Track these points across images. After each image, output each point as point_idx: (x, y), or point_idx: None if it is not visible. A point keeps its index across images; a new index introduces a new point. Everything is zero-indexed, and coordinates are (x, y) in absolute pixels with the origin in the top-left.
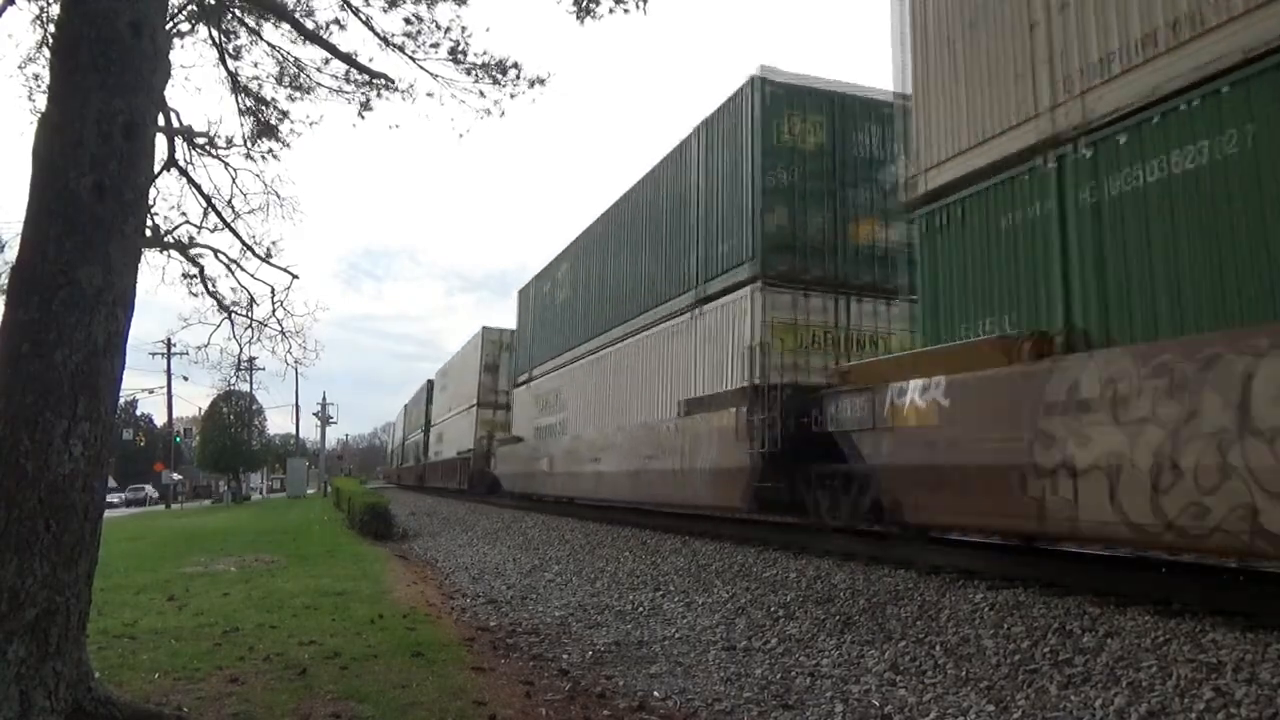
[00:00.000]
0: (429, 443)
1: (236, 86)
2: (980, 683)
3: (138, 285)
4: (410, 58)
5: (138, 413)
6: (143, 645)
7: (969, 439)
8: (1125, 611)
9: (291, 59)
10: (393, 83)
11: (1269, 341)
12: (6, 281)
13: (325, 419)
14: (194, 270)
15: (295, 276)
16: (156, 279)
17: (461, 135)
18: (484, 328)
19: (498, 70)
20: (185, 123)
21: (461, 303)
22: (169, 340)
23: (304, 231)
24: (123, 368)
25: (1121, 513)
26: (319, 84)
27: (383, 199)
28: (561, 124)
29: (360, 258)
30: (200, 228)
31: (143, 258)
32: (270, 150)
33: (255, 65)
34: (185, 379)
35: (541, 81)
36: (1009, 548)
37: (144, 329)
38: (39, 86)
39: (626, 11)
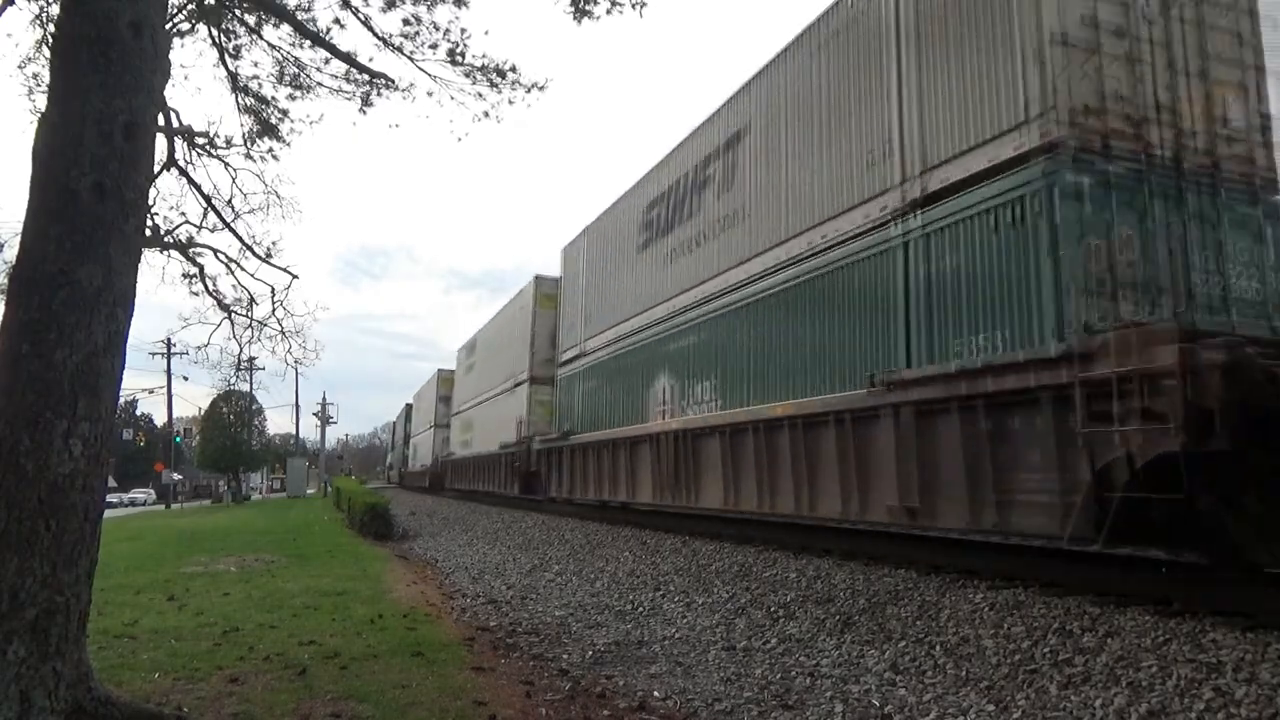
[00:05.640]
0: (407, 454)
1: (236, 86)
2: (980, 682)
3: (138, 285)
4: (409, 58)
5: (138, 413)
6: (143, 645)
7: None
8: (1125, 611)
9: (291, 59)
10: (392, 82)
11: None
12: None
13: (325, 419)
14: (194, 270)
15: (295, 276)
16: (156, 279)
17: (460, 139)
18: (439, 370)
19: (496, 74)
20: (185, 123)
21: (460, 301)
22: (169, 340)
23: (302, 230)
24: (123, 368)
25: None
26: (319, 83)
27: (380, 196)
28: (560, 123)
29: (358, 255)
30: (200, 228)
31: (143, 258)
32: (270, 150)
33: (255, 65)
34: (185, 379)
35: (540, 87)
36: (1009, 548)
37: (144, 329)
38: (39, 86)
39: (622, 12)
